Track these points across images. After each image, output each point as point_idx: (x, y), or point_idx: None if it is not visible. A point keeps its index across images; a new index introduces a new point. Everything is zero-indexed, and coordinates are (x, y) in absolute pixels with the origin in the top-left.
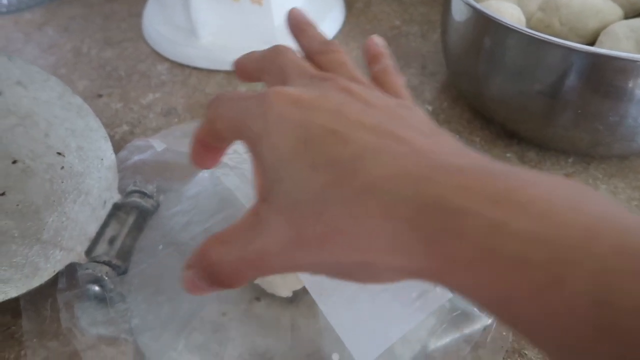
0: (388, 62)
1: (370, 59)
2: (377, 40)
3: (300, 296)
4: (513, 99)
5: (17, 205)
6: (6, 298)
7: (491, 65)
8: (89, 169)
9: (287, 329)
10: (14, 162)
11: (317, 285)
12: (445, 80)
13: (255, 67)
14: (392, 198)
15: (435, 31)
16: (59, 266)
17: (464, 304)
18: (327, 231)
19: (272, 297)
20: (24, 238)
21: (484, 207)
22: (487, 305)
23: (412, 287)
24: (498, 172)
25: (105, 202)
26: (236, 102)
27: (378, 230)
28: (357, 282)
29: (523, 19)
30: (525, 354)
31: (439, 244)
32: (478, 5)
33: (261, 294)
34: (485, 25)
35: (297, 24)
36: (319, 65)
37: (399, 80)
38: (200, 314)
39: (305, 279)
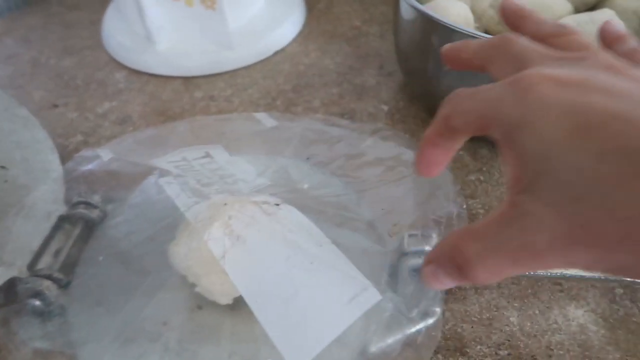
0: (634, 42)
1: (612, 41)
2: (616, 23)
3: (241, 303)
4: None
5: None
6: None
7: (440, 65)
8: (35, 182)
9: (227, 336)
10: None
11: (253, 291)
12: (401, 80)
13: (478, 56)
14: None
15: None
16: None
17: (399, 304)
18: (625, 227)
19: (214, 305)
20: None
21: None
22: None
23: (344, 291)
24: None
25: (50, 214)
26: (480, 94)
27: None
28: None
29: (471, 17)
30: (467, 351)
31: None
32: (422, 7)
33: (203, 302)
34: (432, 26)
35: (516, 11)
36: (558, 49)
37: None
38: (139, 324)
39: (240, 286)
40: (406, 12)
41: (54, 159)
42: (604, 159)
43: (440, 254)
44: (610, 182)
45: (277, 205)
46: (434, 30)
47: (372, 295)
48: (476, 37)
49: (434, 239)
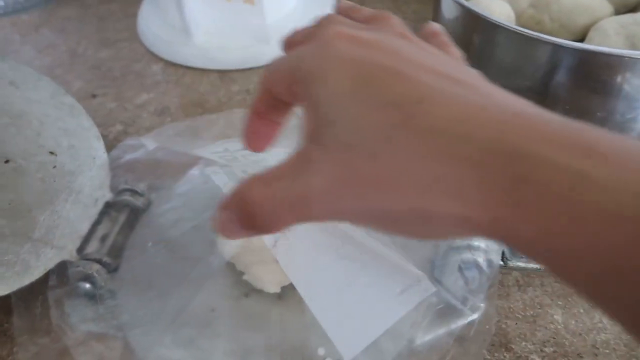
0: (446, 38)
1: (428, 35)
2: (435, 25)
3: (288, 292)
4: None
5: (9, 204)
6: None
7: (480, 62)
8: (81, 168)
9: (275, 324)
10: (7, 161)
11: (304, 281)
12: None
13: (303, 35)
14: (460, 141)
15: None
16: (50, 264)
17: (448, 298)
18: (384, 172)
19: (261, 293)
20: (16, 236)
21: (570, 158)
22: (552, 258)
23: (396, 282)
24: (573, 124)
25: (97, 201)
26: (290, 54)
27: (442, 173)
28: (404, 235)
29: (513, 16)
30: (512, 347)
31: (515, 191)
32: (467, 3)
33: (250, 290)
34: (474, 23)
35: (348, 7)
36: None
37: (457, 53)
38: (188, 310)
39: (291, 275)
40: (448, 10)
41: (99, 147)
42: (378, 109)
43: (232, 200)
44: (379, 129)
45: None
46: (477, 27)
47: (425, 288)
48: (521, 34)
49: None
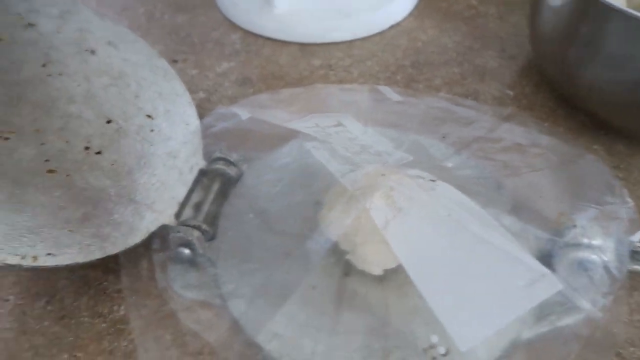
0: None
1: None
2: None
3: (391, 275)
4: (609, 88)
5: (112, 164)
6: (105, 254)
7: (587, 51)
8: (176, 133)
9: (378, 307)
10: (109, 121)
11: (417, 265)
12: (525, 64)
13: None
14: None
15: (513, 13)
16: (152, 227)
17: (574, 297)
18: None
19: (362, 274)
20: (120, 197)
21: None
22: None
23: (518, 276)
24: None
25: (192, 168)
26: None
27: None
28: None
29: (623, 1)
30: (620, 352)
31: None
32: None
33: (350, 270)
34: (584, 9)
35: None
36: None
37: None
38: (289, 285)
39: (403, 257)
40: None
41: (192, 113)
42: None
43: None
44: None
45: (433, 181)
46: (587, 13)
47: (551, 284)
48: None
49: (598, 231)
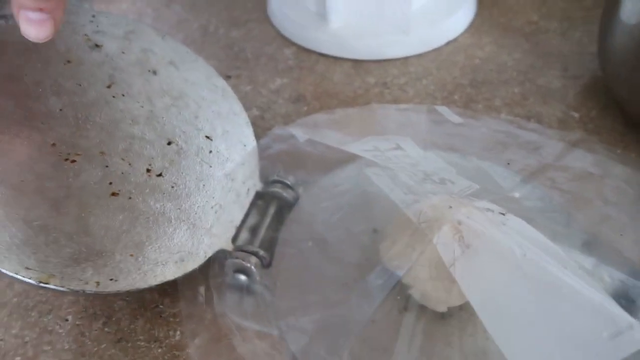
0: None
1: None
2: None
3: (454, 312)
4: None
5: (172, 187)
6: (164, 280)
7: None
8: (233, 155)
9: (441, 346)
10: (169, 143)
11: (488, 308)
12: (591, 85)
13: None
14: None
15: (576, 29)
16: (210, 251)
17: None
18: None
19: (423, 310)
20: (179, 221)
21: None
22: None
23: (601, 324)
24: None
25: (248, 190)
26: None
27: None
28: None
29: None
30: None
31: None
32: None
33: (410, 305)
34: None
35: None
36: None
37: None
38: (346, 319)
39: (472, 298)
40: (629, 14)
41: (249, 133)
42: None
43: None
44: None
45: (503, 214)
46: None
47: (639, 335)
48: None
49: None
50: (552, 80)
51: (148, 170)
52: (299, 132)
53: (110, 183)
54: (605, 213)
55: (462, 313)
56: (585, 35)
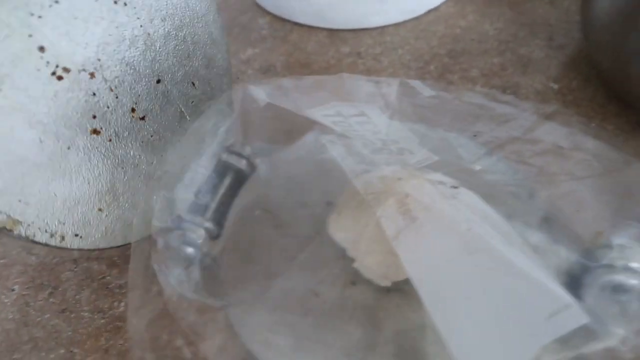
0: None
1: None
2: None
3: (400, 286)
4: None
5: (152, 136)
6: (125, 242)
7: None
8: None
9: (384, 320)
10: (158, 81)
11: (427, 283)
12: (575, 55)
13: None
14: None
15: None
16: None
17: (600, 331)
18: None
19: (369, 284)
20: (147, 178)
21: None
22: None
23: (540, 303)
24: None
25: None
26: None
27: None
28: None
29: None
30: None
31: None
32: None
33: (357, 279)
34: None
35: None
36: None
37: None
38: (291, 292)
39: (412, 272)
40: None
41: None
42: None
43: None
44: None
45: (456, 188)
46: None
47: (575, 316)
48: None
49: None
50: (535, 50)
51: (133, 110)
52: (261, 95)
53: (94, 117)
54: (568, 188)
55: (409, 286)
56: (573, 4)
